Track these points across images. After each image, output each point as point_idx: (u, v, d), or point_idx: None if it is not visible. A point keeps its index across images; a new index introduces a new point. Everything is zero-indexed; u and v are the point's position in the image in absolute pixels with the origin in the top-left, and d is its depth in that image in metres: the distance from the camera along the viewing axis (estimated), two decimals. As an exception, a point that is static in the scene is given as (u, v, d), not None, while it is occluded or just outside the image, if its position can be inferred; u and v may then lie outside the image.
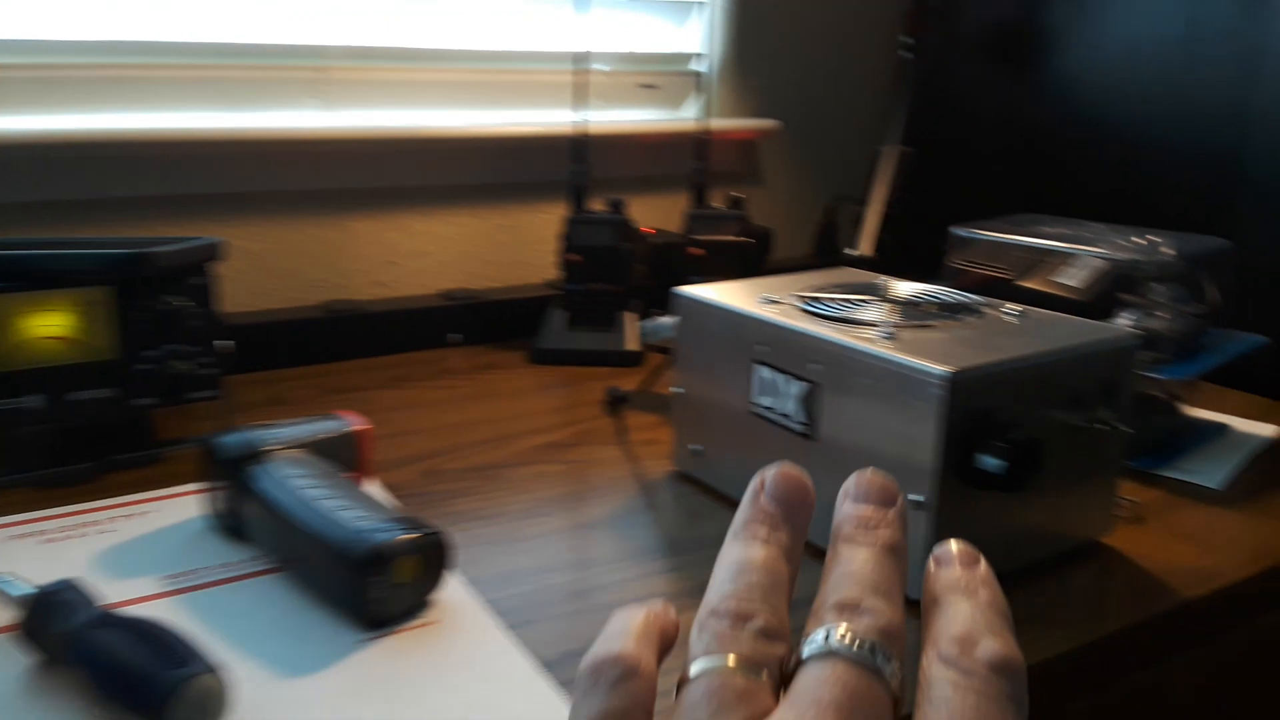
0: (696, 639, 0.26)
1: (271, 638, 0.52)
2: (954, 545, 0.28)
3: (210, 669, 0.43)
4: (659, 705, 0.26)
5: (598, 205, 1.04)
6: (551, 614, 0.55)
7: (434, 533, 0.54)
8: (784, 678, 0.25)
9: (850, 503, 0.29)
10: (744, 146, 1.33)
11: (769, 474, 0.29)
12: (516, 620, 0.54)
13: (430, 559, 0.54)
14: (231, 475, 0.61)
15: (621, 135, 1.18)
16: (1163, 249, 0.77)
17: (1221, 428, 0.84)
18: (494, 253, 1.17)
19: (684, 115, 1.26)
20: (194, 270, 0.75)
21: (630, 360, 1.00)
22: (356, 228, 1.08)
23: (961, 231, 0.87)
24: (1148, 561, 0.62)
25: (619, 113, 1.22)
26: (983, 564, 0.28)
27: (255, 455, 0.61)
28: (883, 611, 0.25)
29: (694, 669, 0.25)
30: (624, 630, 0.28)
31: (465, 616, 0.54)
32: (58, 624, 0.46)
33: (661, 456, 0.77)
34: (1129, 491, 0.71)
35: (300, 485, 0.58)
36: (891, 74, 1.28)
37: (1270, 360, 0.95)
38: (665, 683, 0.26)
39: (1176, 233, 0.81)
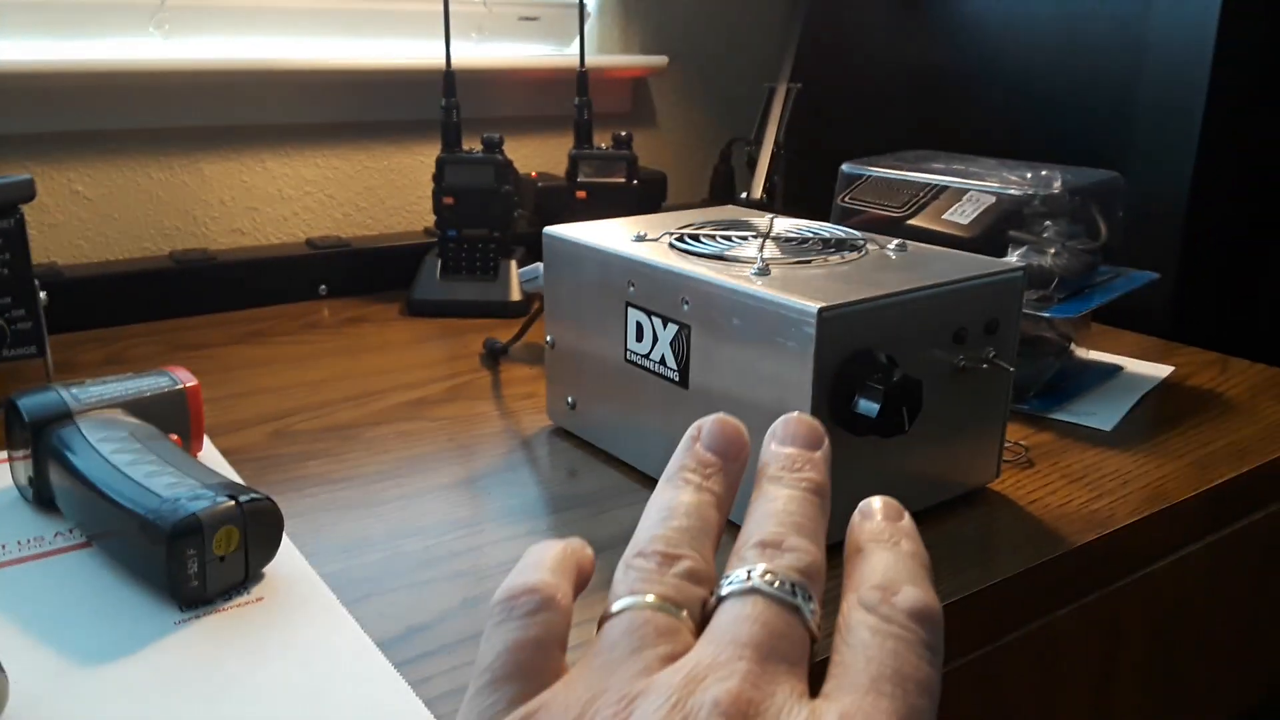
0: (621, 578, 0.26)
1: (78, 620, 0.46)
2: (878, 500, 0.28)
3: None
4: (574, 641, 0.26)
5: (475, 146, 0.97)
6: (400, 584, 0.50)
7: (260, 498, 0.48)
8: (705, 618, 0.25)
9: (776, 444, 0.29)
10: (633, 85, 1.27)
11: (706, 423, 0.30)
12: (359, 594, 0.49)
13: (256, 528, 0.48)
14: (37, 439, 0.54)
15: (500, 71, 1.11)
16: (1054, 184, 0.75)
17: (1114, 369, 0.83)
18: (365, 198, 1.09)
19: (569, 52, 1.20)
20: (1, 211, 0.66)
21: (513, 311, 0.94)
22: (209, 170, 1.00)
23: (851, 169, 0.83)
24: (1037, 507, 0.60)
25: (498, 46, 1.14)
26: (906, 518, 0.28)
27: (62, 416, 0.54)
28: (805, 551, 0.26)
29: (616, 606, 0.25)
30: (540, 561, 0.28)
31: (298, 591, 0.48)
32: None
33: (539, 411, 0.72)
34: (1018, 435, 0.69)
35: (112, 450, 0.52)
36: (783, 10, 1.23)
37: (1158, 298, 0.94)
38: (581, 618, 0.26)
39: (1068, 166, 0.78)
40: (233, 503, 0.47)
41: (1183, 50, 0.94)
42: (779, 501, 0.27)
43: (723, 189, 1.30)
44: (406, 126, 1.10)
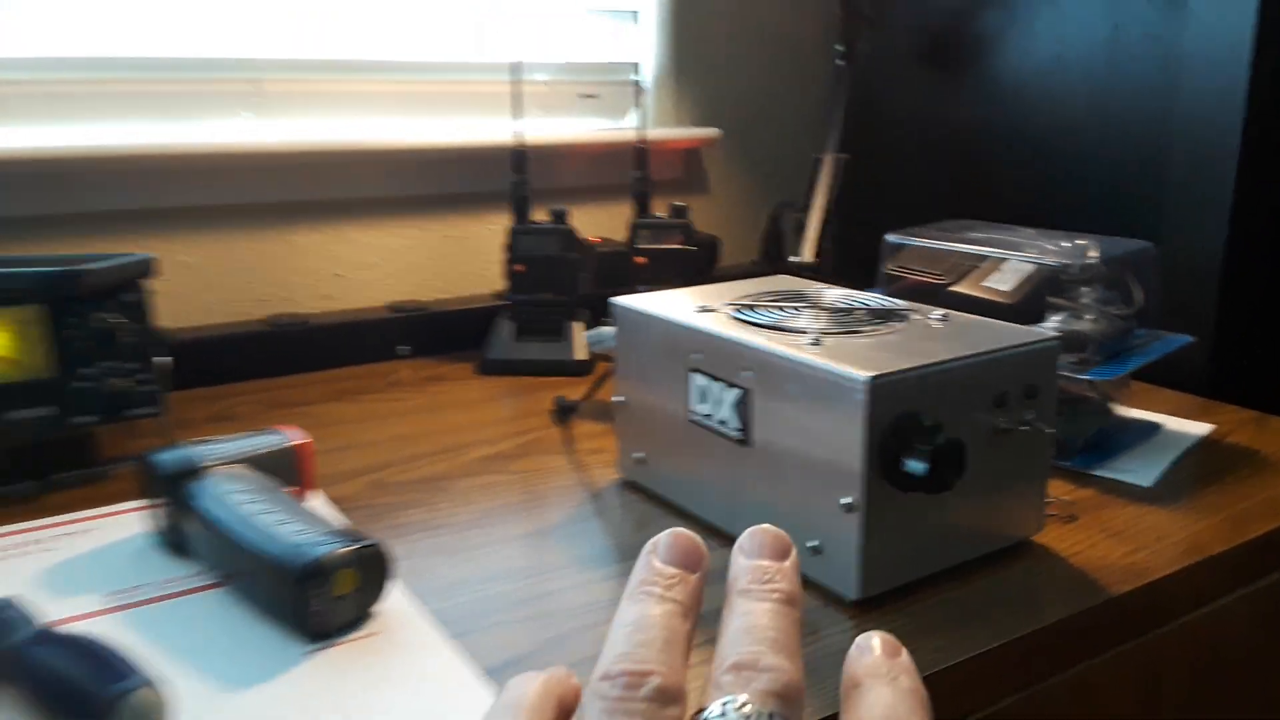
0: (588, 706, 0.25)
1: (214, 652, 0.52)
2: (876, 636, 0.28)
3: (148, 682, 0.44)
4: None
5: (542, 215, 1.05)
6: (496, 621, 0.56)
7: (372, 544, 0.55)
8: None
9: (744, 557, 0.29)
10: (686, 155, 1.34)
11: (662, 537, 0.30)
12: (461, 629, 0.55)
13: (369, 571, 0.55)
14: (171, 492, 0.61)
15: (563, 145, 1.19)
16: (1089, 252, 0.80)
17: (1154, 427, 0.87)
18: (441, 264, 1.17)
19: (626, 125, 1.28)
20: (127, 287, 0.74)
21: (579, 370, 1.01)
22: (300, 241, 1.08)
23: (894, 239, 0.89)
24: (1079, 559, 0.64)
25: (560, 123, 1.22)
26: (904, 654, 0.28)
27: (194, 471, 0.61)
28: (781, 670, 0.25)
29: None
30: (518, 702, 0.27)
31: (408, 627, 0.55)
32: (-5, 644, 0.46)
33: (608, 465, 0.78)
34: (1062, 491, 0.73)
35: (239, 500, 0.58)
36: (828, 81, 1.30)
37: (1197, 359, 0.98)
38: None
39: (1102, 236, 0.84)
40: (350, 548, 0.54)
41: (1214, 115, 0.99)
42: (752, 616, 0.27)
43: (772, 251, 1.36)
44: (478, 198, 1.18)
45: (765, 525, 0.30)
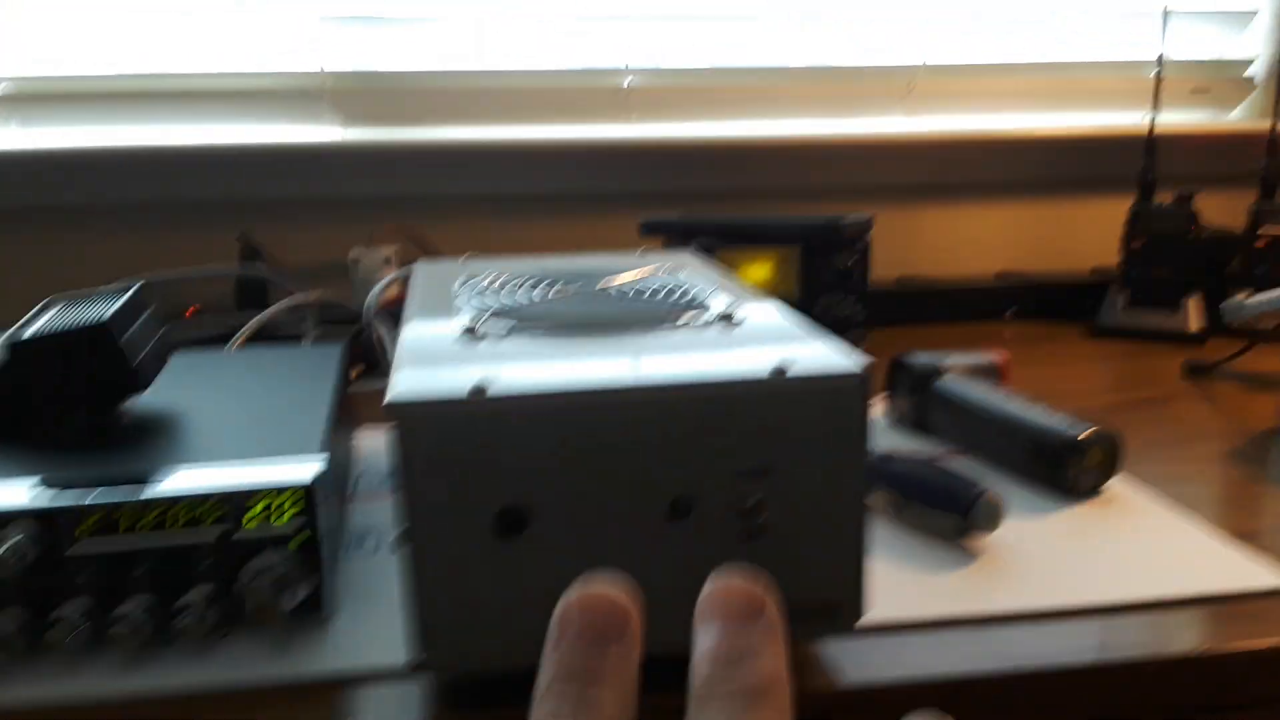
0: None
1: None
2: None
3: (992, 489, 0.62)
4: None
5: (1164, 198, 1.14)
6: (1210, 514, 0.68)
7: (1113, 432, 0.70)
8: None
9: (701, 627, 0.22)
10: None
11: (572, 601, 0.22)
12: (1185, 508, 0.67)
13: (1109, 452, 0.70)
14: (921, 384, 0.81)
15: (1176, 135, 1.27)
16: None
17: None
18: (1040, 241, 1.31)
19: (1229, 118, 1.32)
20: (859, 238, 0.97)
21: (1192, 340, 1.09)
22: (925, 215, 1.27)
23: None
24: None
25: (1170, 115, 1.30)
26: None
27: (937, 371, 0.81)
28: None
29: None
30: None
31: (1136, 500, 0.69)
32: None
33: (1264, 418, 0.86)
34: None
35: (985, 393, 0.77)
36: None
37: None
38: None
39: None
40: (1097, 430, 0.69)
41: None
42: None
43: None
44: (1077, 183, 1.29)
45: (733, 567, 0.23)
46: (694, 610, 0.23)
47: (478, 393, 0.41)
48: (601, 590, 0.22)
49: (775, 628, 0.22)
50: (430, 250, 1.08)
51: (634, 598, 0.22)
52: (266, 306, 0.98)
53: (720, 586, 0.22)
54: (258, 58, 1.13)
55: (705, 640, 0.22)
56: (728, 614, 0.22)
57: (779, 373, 0.43)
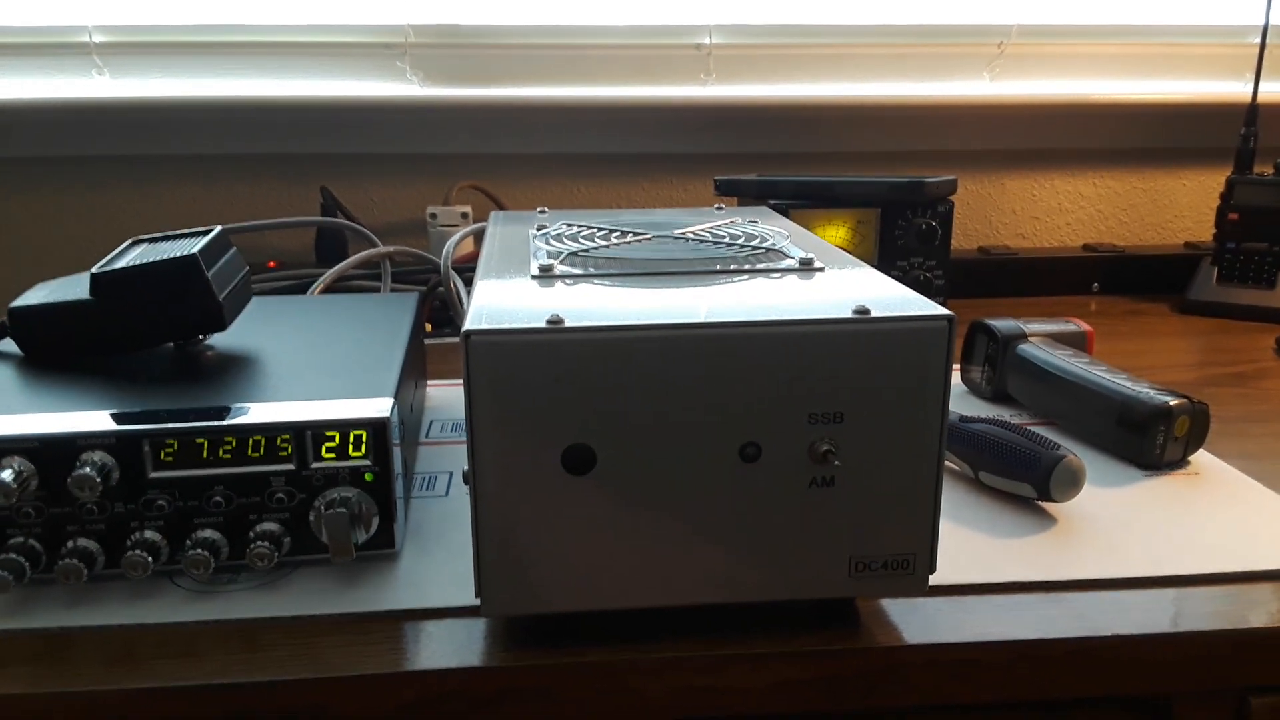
0: None
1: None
2: None
3: (1072, 453, 0.60)
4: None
5: (1263, 170, 1.09)
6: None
7: (1203, 404, 0.67)
8: None
9: None
10: None
11: None
12: (1271, 485, 0.65)
13: (1197, 422, 0.67)
14: (1002, 350, 0.79)
15: (1277, 105, 1.21)
16: None
17: None
18: (1128, 213, 1.26)
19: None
20: (942, 201, 0.94)
21: (1284, 318, 1.04)
22: (1009, 185, 1.23)
23: None
24: None
25: (1272, 83, 1.24)
26: None
27: (1022, 335, 0.78)
28: None
29: None
30: None
31: (1221, 473, 0.66)
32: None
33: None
34: None
35: (1067, 359, 0.74)
36: None
37: None
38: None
39: None
40: (1185, 401, 0.66)
41: None
42: None
43: None
44: (1169, 154, 1.24)
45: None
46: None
47: (555, 322, 0.41)
48: None
49: None
50: (505, 208, 1.09)
51: None
52: (345, 259, 0.99)
53: None
54: (343, 10, 1.15)
55: None
56: None
57: (862, 312, 0.42)
